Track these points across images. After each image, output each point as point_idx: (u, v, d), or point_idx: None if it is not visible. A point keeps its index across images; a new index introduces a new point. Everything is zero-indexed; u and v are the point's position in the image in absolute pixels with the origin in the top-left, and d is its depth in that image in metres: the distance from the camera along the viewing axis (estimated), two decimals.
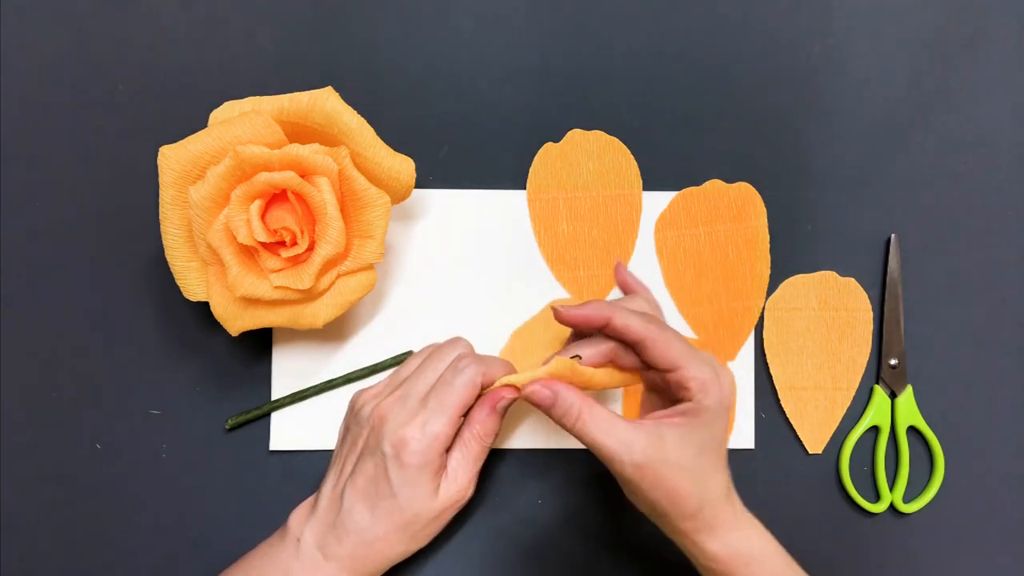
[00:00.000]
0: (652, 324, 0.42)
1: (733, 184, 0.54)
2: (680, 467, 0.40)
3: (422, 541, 0.46)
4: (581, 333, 0.46)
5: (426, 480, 0.44)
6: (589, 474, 0.53)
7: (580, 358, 0.44)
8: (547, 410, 0.42)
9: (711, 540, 0.42)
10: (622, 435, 0.40)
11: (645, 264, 0.54)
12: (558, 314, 0.44)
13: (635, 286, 0.51)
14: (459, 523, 0.52)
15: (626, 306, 0.44)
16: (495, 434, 0.46)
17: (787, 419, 0.54)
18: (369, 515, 0.44)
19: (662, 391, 0.45)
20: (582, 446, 0.52)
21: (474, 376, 0.45)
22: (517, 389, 0.45)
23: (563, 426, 0.42)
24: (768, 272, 0.54)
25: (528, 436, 0.52)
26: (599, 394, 0.53)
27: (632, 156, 0.54)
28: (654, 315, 0.43)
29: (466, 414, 0.46)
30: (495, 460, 0.53)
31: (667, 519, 0.42)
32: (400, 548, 0.45)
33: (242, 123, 0.45)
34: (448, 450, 0.45)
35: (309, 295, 0.47)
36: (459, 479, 0.45)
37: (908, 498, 0.54)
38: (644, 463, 0.40)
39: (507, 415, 0.52)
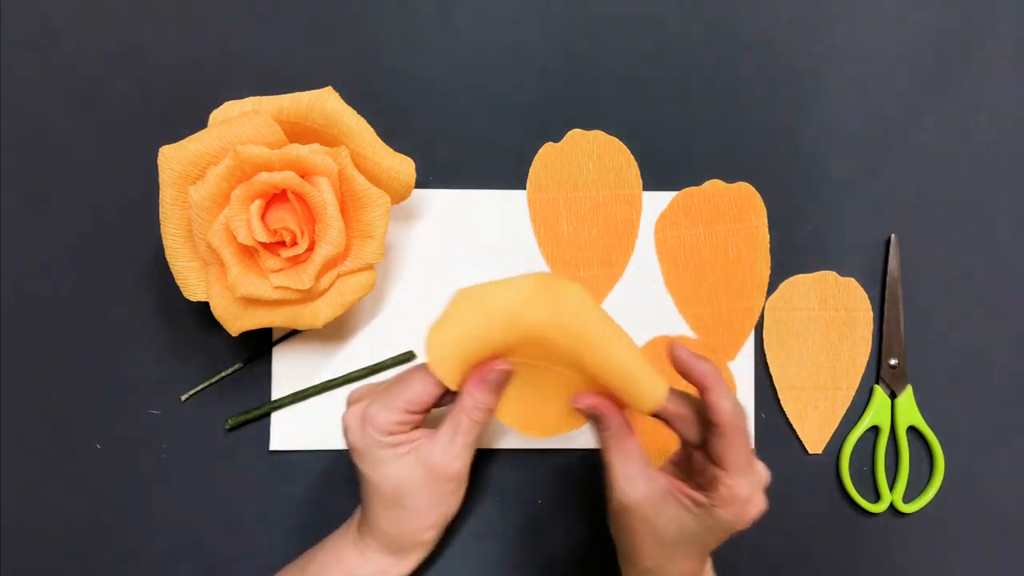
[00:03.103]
0: (738, 419, 0.40)
1: (733, 184, 0.54)
2: (657, 536, 0.41)
3: (427, 518, 0.44)
4: None
5: (383, 454, 0.43)
6: (589, 474, 0.53)
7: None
8: (590, 419, 0.43)
9: None
10: (633, 472, 0.41)
11: (645, 264, 0.54)
12: (674, 350, 0.42)
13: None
14: (459, 522, 0.52)
15: (723, 384, 0.41)
16: (486, 408, 0.44)
17: (787, 419, 0.54)
18: (364, 496, 0.45)
19: (694, 461, 0.43)
20: (582, 446, 0.52)
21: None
22: (510, 366, 0.43)
23: (595, 435, 0.43)
24: (768, 272, 0.54)
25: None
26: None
27: (632, 156, 0.54)
28: (743, 412, 0.41)
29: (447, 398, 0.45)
30: (495, 460, 0.53)
31: (623, 559, 0.45)
32: (409, 524, 0.44)
33: (242, 123, 0.45)
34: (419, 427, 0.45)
35: (309, 295, 0.47)
36: (442, 448, 0.43)
37: (908, 498, 0.54)
38: (631, 508, 0.41)
39: None
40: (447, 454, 0.43)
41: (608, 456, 0.42)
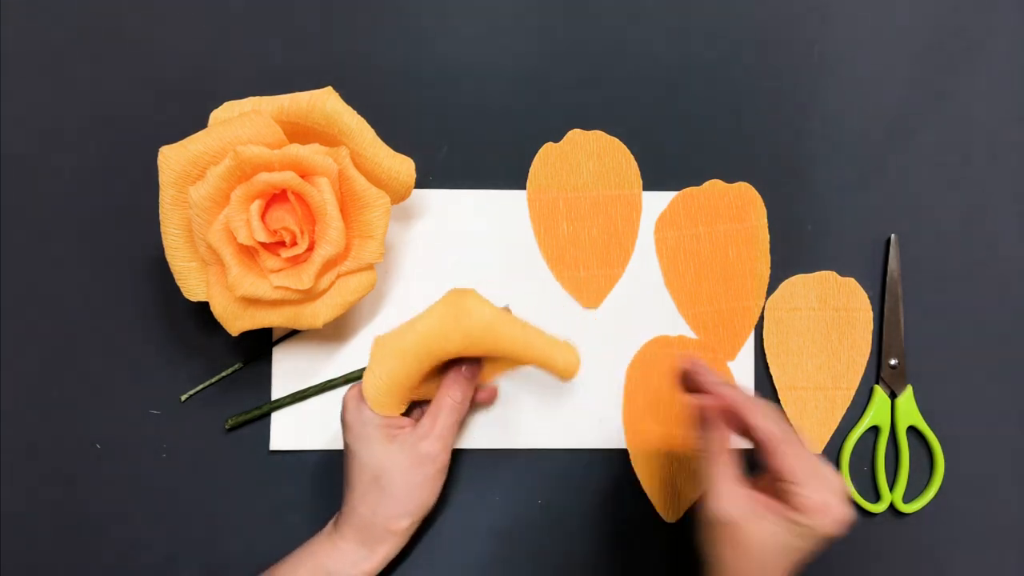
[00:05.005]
0: (779, 433, 0.42)
1: (733, 184, 0.54)
2: (753, 554, 0.41)
3: (405, 503, 0.46)
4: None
5: (373, 434, 0.46)
6: (589, 474, 0.53)
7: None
8: (699, 433, 0.44)
9: None
10: (732, 489, 0.42)
11: (645, 264, 0.54)
12: (696, 376, 0.44)
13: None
14: (460, 522, 0.52)
15: (757, 404, 0.43)
16: (463, 398, 0.48)
17: (787, 419, 0.54)
18: (347, 480, 0.47)
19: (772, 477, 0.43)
20: (582, 446, 0.52)
21: None
22: (479, 361, 0.48)
23: (700, 452, 0.44)
24: (768, 272, 0.54)
25: (530, 436, 0.52)
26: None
27: (632, 156, 0.54)
28: (784, 418, 0.43)
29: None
30: (496, 460, 0.53)
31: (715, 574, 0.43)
32: (386, 507, 0.46)
33: (242, 123, 0.45)
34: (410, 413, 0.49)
35: (309, 295, 0.47)
36: (424, 432, 0.46)
37: (908, 498, 0.54)
38: (729, 523, 0.41)
39: (509, 416, 0.52)
40: (428, 437, 0.46)
41: (710, 471, 0.42)
